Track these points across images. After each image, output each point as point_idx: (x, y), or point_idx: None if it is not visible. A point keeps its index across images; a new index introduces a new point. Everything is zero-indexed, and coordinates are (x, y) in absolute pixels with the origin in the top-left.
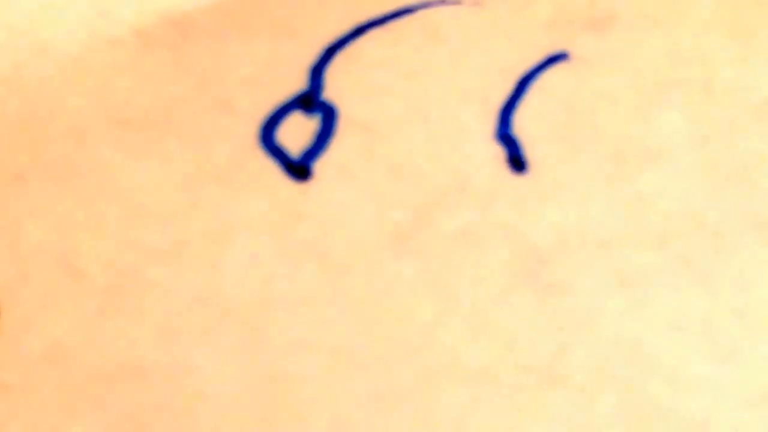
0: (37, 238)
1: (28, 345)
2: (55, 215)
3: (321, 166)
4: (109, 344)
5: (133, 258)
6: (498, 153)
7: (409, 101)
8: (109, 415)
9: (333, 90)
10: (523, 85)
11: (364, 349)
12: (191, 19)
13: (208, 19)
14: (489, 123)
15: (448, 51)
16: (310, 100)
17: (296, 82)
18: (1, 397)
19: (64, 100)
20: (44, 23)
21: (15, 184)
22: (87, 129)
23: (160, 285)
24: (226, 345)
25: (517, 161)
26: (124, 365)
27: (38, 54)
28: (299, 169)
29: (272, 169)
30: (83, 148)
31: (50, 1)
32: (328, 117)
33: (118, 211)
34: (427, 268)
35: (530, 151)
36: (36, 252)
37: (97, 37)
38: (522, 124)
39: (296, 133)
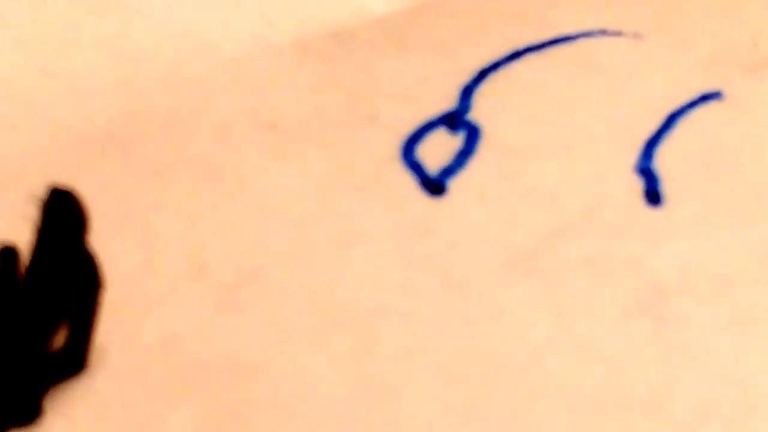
0: (167, 232)
1: (144, 333)
2: (188, 210)
3: (456, 184)
4: (221, 339)
5: (256, 258)
6: (635, 185)
7: (554, 128)
8: (210, 408)
9: (480, 111)
10: (671, 120)
11: (470, 365)
12: (351, 33)
13: (367, 34)
14: (632, 155)
15: (601, 81)
16: (456, 118)
17: (445, 101)
18: (112, 378)
19: (214, 99)
20: (208, 26)
21: (154, 179)
22: (232, 128)
23: (279, 286)
24: (335, 349)
25: (653, 195)
26: (233, 361)
27: (197, 55)
28: (435, 185)
29: (408, 183)
30: (225, 147)
31: (218, 5)
32: (471, 137)
33: (249, 210)
34: (545, 292)
35: (668, 186)
36: (164, 245)
37: (258, 43)
38: (664, 159)
39: (438, 150)
